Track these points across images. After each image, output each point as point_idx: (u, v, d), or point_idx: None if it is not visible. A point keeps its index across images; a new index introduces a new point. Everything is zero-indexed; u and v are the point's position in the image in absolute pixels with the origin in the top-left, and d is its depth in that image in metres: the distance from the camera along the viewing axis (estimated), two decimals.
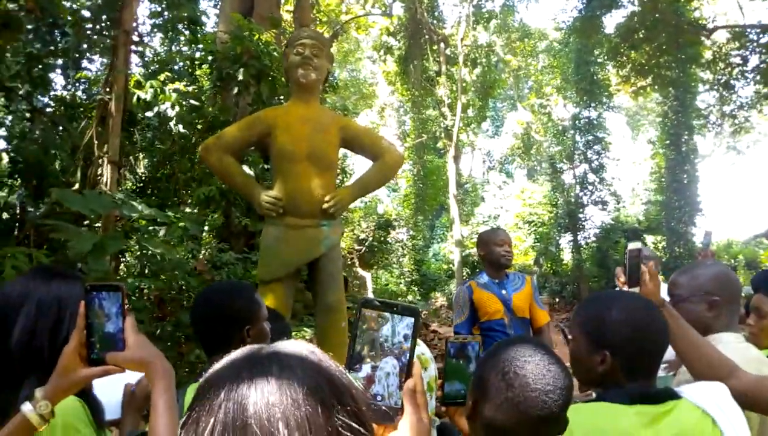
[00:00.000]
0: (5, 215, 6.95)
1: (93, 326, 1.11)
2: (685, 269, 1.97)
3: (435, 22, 18.29)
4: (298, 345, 0.66)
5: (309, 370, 0.61)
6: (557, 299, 16.47)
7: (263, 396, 0.56)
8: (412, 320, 0.93)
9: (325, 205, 3.43)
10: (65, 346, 1.11)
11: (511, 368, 1.08)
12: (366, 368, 0.92)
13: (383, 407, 0.91)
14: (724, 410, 1.32)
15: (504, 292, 3.45)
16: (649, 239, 17.03)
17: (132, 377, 1.66)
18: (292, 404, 0.56)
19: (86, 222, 6.39)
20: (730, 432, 1.29)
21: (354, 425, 0.59)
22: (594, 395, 1.45)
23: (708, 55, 14.78)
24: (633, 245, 1.73)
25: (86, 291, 1.13)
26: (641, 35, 13.97)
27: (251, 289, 1.75)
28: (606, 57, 15.69)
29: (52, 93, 8.49)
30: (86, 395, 1.44)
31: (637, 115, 28.93)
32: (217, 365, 0.65)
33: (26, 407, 1.09)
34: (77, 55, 8.77)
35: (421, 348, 1.56)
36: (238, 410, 0.56)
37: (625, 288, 1.71)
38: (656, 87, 15.82)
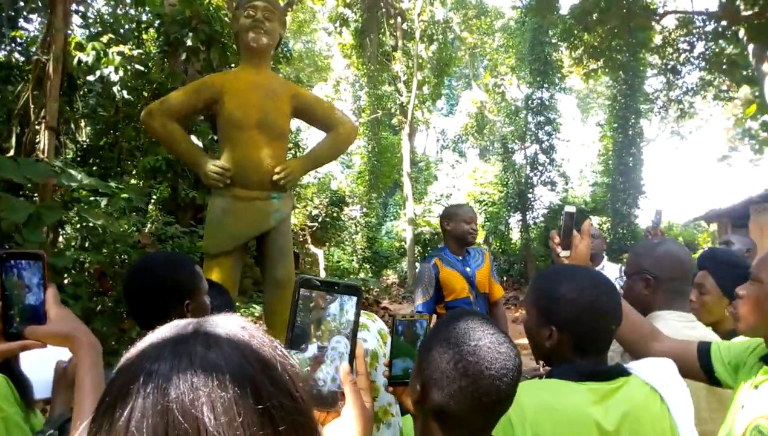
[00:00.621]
0: None
1: (10, 298, 1.02)
2: (634, 246, 2.01)
3: None
4: (229, 320, 0.59)
5: (238, 347, 0.54)
6: (505, 278, 16.80)
7: (186, 378, 0.49)
8: (356, 298, 0.88)
9: (276, 177, 3.32)
10: None
11: (463, 356, 1.02)
12: (312, 348, 0.86)
13: (325, 391, 0.86)
14: (671, 386, 1.33)
15: (468, 269, 3.43)
16: (595, 220, 17.52)
17: (65, 354, 1.55)
18: (218, 385, 0.49)
19: (22, 193, 6.04)
20: (676, 408, 1.31)
21: (288, 405, 0.53)
22: (541, 371, 1.44)
23: (658, 40, 15.14)
24: (568, 208, 1.72)
25: (1, 259, 1.02)
26: (595, 17, 14.17)
27: (192, 260, 1.64)
28: (560, 38, 15.86)
29: None
30: (12, 372, 1.36)
31: (588, 98, 29.55)
32: (139, 343, 0.57)
33: None
34: (13, 13, 8.23)
35: (379, 324, 1.51)
36: (158, 393, 0.49)
37: (558, 250, 1.70)
38: (607, 70, 16.13)
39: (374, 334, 1.44)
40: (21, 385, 1.38)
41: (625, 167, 17.00)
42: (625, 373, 1.35)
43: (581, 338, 1.33)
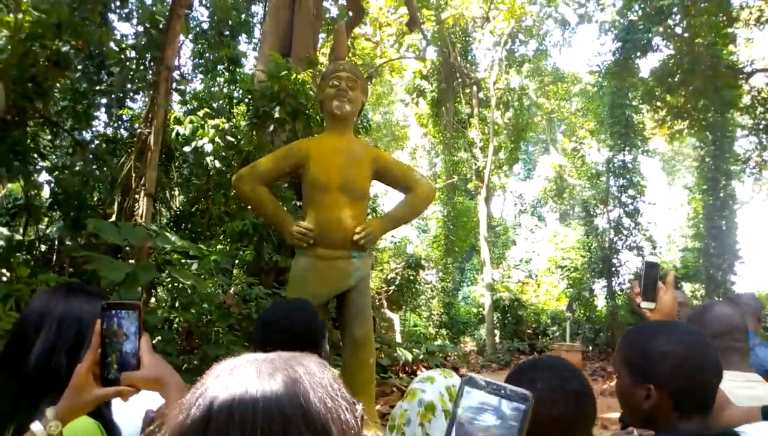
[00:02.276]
0: (43, 247, 7.12)
1: (109, 345, 1.08)
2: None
3: (468, 65, 18.52)
4: (320, 367, 0.66)
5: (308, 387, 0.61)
6: (590, 347, 15.95)
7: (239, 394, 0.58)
8: (523, 408, 0.81)
9: (356, 237, 3.40)
10: (78, 365, 1.09)
11: None
12: None
13: None
14: None
15: None
16: (687, 286, 16.49)
17: (153, 402, 1.61)
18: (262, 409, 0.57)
19: (120, 255, 6.49)
20: None
21: None
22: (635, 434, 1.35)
23: (746, 99, 14.54)
24: (650, 258, 1.66)
25: (103, 309, 1.10)
26: (677, 78, 13.86)
27: (317, 311, 1.66)
28: (641, 100, 15.57)
29: (95, 129, 8.81)
30: (103, 418, 1.39)
31: (673, 160, 28.49)
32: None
33: (36, 427, 1.06)
34: (121, 94, 9.14)
35: (453, 381, 1.46)
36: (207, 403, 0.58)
37: (639, 300, 1.63)
38: (693, 131, 15.58)
39: (439, 387, 1.42)
40: (110, 431, 1.41)
41: (717, 231, 16.05)
42: None
43: (682, 395, 1.24)
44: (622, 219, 16.32)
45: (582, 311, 17.36)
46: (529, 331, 17.50)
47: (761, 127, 14.54)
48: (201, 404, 0.59)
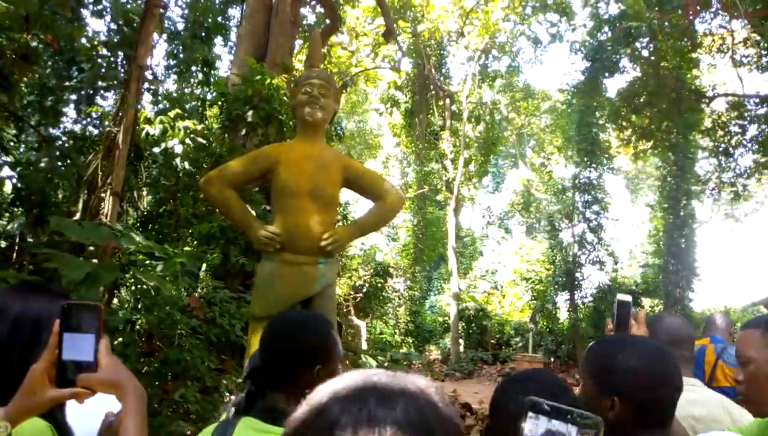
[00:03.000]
0: (3, 243, 6.96)
1: (66, 346, 1.05)
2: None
3: (442, 78, 18.76)
4: (437, 393, 0.65)
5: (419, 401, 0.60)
6: (552, 359, 16.21)
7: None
8: (593, 433, 0.78)
9: (323, 243, 3.44)
10: (33, 365, 1.05)
11: None
12: None
13: None
14: None
15: None
16: (646, 302, 16.91)
17: (114, 406, 1.59)
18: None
19: (83, 255, 6.38)
20: None
21: None
22: None
23: (708, 122, 15.08)
24: (623, 297, 1.77)
25: (62, 309, 1.07)
26: (642, 100, 14.30)
27: (329, 325, 1.60)
28: (607, 120, 15.99)
29: (63, 126, 8.65)
30: (56, 420, 1.35)
31: (636, 179, 29.25)
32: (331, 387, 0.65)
33: None
34: (91, 91, 8.99)
35: None
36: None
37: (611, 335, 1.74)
38: (656, 151, 16.07)
39: None
40: (64, 433, 1.37)
41: (677, 249, 16.53)
42: None
43: (645, 409, 1.27)
44: (586, 234, 16.69)
45: (545, 323, 17.65)
46: (492, 341, 17.71)
47: (720, 149, 15.08)
48: (320, 425, 0.59)
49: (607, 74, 14.90)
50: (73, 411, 1.42)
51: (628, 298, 1.77)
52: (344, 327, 12.74)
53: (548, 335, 17.17)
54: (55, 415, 1.32)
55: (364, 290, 14.78)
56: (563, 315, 17.86)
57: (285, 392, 1.43)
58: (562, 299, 17.70)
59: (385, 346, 14.44)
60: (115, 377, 1.05)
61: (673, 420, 1.53)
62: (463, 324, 17.04)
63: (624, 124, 15.60)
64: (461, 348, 16.59)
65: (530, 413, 0.79)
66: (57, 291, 1.44)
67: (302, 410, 0.64)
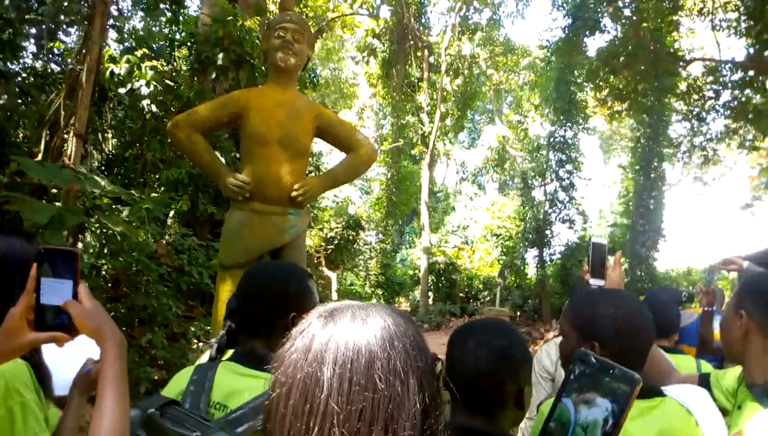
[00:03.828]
0: None
1: (44, 290, 1.06)
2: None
3: (421, 28, 18.35)
4: (406, 321, 0.76)
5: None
6: (518, 312, 16.60)
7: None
8: (628, 389, 0.86)
9: (294, 193, 3.36)
10: (11, 308, 1.06)
11: None
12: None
13: None
14: (706, 413, 1.40)
15: None
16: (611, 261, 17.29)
17: (94, 353, 1.56)
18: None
19: (45, 197, 6.17)
20: (709, 432, 1.37)
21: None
22: None
23: (683, 86, 15.15)
24: (598, 240, 1.81)
25: (39, 254, 1.08)
26: (621, 60, 14.25)
27: (307, 275, 1.65)
28: (586, 79, 15.93)
29: (23, 61, 8.20)
30: (33, 362, 1.38)
31: (610, 140, 29.50)
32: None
33: None
34: (53, 26, 8.51)
35: None
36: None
37: (587, 278, 1.79)
38: (631, 113, 16.14)
39: None
40: (40, 374, 1.40)
41: (645, 210, 16.84)
42: (661, 394, 1.41)
43: (620, 354, 1.33)
44: (558, 193, 16.85)
45: (513, 278, 17.99)
46: (461, 294, 18.02)
47: (694, 113, 15.22)
48: (305, 335, 0.74)
49: (587, 32, 14.73)
50: (49, 357, 1.46)
51: (604, 241, 1.82)
52: (315, 278, 12.77)
53: (516, 290, 17.53)
54: (33, 356, 1.36)
55: (336, 242, 14.77)
56: (531, 271, 18.21)
57: (262, 338, 1.49)
58: (530, 255, 17.99)
59: (355, 297, 14.57)
60: (95, 322, 1.05)
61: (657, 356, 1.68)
62: (433, 278, 17.25)
63: (601, 84, 15.57)
64: (430, 301, 16.84)
65: (579, 363, 0.90)
66: (25, 232, 1.46)
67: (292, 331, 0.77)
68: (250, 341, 1.51)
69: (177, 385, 1.46)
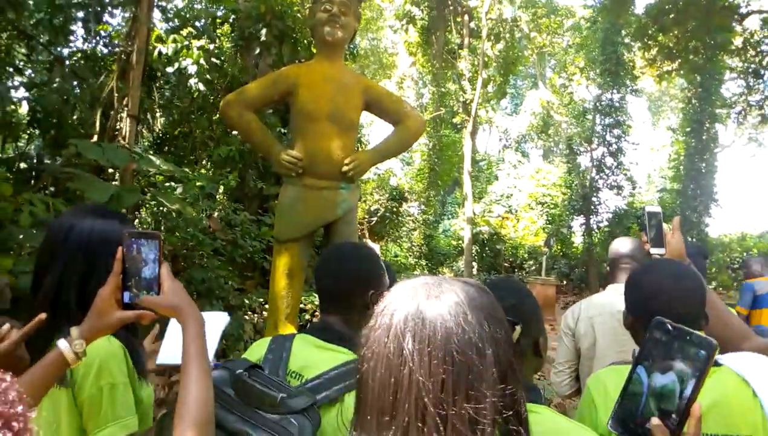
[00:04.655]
0: (23, 165, 6.98)
1: (129, 271, 1.14)
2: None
3: None
4: (480, 292, 0.82)
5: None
6: (565, 282, 16.44)
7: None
8: (706, 353, 0.88)
9: (345, 168, 3.40)
10: (101, 288, 1.14)
11: None
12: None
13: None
14: (764, 380, 1.31)
15: None
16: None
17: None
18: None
19: (103, 177, 6.40)
20: None
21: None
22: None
23: (738, 42, 14.40)
24: (652, 208, 1.80)
25: (125, 237, 1.16)
26: (671, 17, 13.62)
27: (377, 256, 1.72)
28: (633, 38, 15.33)
29: (73, 45, 8.44)
30: (130, 344, 1.47)
31: (659, 101, 28.44)
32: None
33: (62, 344, 1.12)
34: (99, 8, 8.70)
35: None
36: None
37: (648, 248, 1.78)
38: (682, 72, 15.48)
39: None
40: (135, 355, 1.48)
41: (696, 173, 16.30)
42: (716, 363, 1.36)
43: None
44: (605, 158, 16.46)
45: (559, 247, 17.78)
46: (506, 264, 17.93)
47: (750, 70, 14.49)
48: (386, 312, 0.79)
49: None
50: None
51: (658, 208, 1.81)
52: None
53: (562, 259, 17.34)
54: (129, 340, 1.48)
55: (379, 213, 14.85)
56: (578, 239, 17.94)
57: (340, 314, 1.58)
58: (577, 223, 17.72)
59: (399, 268, 14.68)
60: (177, 301, 1.12)
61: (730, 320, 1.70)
62: (477, 248, 17.19)
63: (650, 43, 14.93)
64: (474, 271, 16.82)
65: (656, 331, 0.93)
66: (118, 215, 1.55)
67: (375, 309, 0.83)
68: (328, 317, 1.59)
69: (255, 353, 1.54)
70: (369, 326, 0.81)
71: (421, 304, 0.76)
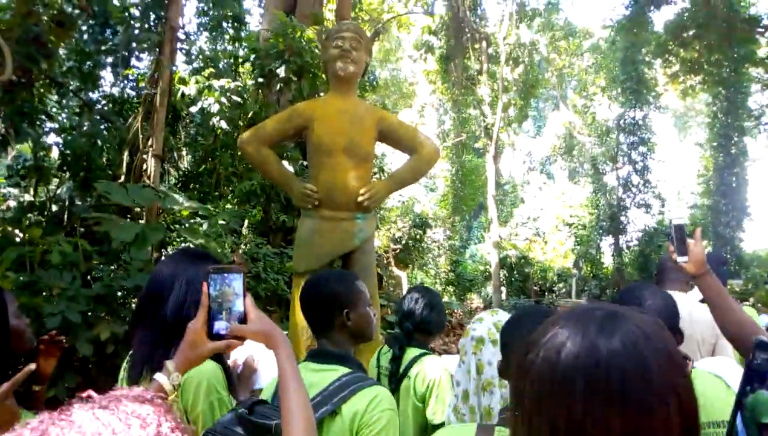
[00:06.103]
0: (54, 208, 7.21)
1: (216, 304, 1.22)
2: None
3: (477, 20, 18.11)
4: (656, 330, 0.71)
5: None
6: None
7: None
8: None
9: (360, 198, 3.44)
10: (191, 322, 1.22)
11: None
12: None
13: None
14: (734, 373, 1.47)
15: None
16: None
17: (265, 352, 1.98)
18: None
19: (129, 215, 6.57)
20: None
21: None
22: None
23: (762, 52, 14.20)
24: (678, 221, 1.94)
25: (209, 273, 1.23)
26: (692, 32, 13.53)
27: (354, 277, 1.87)
28: (654, 55, 15.25)
29: (101, 89, 8.77)
30: (223, 364, 1.66)
31: (685, 117, 28.06)
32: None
33: (161, 378, 1.19)
34: (126, 53, 9.05)
35: (498, 317, 1.95)
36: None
37: (675, 257, 1.90)
38: (706, 86, 15.31)
39: (487, 324, 1.87)
40: (229, 376, 1.65)
41: (727, 188, 15.95)
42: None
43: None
44: (632, 176, 16.24)
45: (588, 268, 17.47)
46: (535, 288, 17.67)
47: None
48: (550, 346, 0.69)
49: (653, 7, 14.10)
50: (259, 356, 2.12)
51: (683, 221, 1.95)
52: (385, 278, 12.89)
53: (592, 280, 17.03)
54: (222, 360, 1.64)
55: (404, 241, 14.85)
56: (608, 260, 17.63)
57: (327, 337, 1.72)
58: (606, 243, 17.43)
59: None
60: (265, 327, 1.21)
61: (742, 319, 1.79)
62: (505, 272, 17.00)
63: (671, 58, 14.84)
64: (503, 296, 16.61)
65: (758, 352, 0.95)
66: (214, 257, 1.73)
67: (540, 329, 0.74)
68: (319, 341, 1.75)
69: (268, 390, 1.72)
70: (530, 356, 0.71)
71: (593, 340, 0.66)
